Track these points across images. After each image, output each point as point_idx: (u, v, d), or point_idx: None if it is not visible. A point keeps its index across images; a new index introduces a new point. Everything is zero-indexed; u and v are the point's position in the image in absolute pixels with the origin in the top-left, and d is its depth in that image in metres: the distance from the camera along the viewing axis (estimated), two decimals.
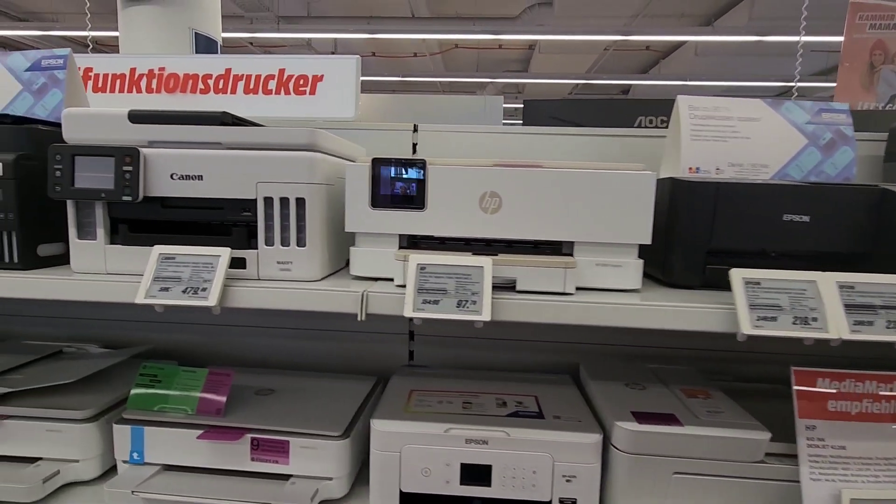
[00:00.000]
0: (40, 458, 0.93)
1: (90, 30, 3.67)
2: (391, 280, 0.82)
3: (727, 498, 0.81)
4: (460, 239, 0.82)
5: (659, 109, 1.52)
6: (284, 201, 0.79)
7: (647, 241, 0.78)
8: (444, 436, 0.83)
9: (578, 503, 0.82)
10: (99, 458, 0.95)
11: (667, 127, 1.56)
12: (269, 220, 0.79)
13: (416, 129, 1.23)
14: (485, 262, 0.73)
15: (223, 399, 0.93)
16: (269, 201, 0.79)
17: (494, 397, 0.97)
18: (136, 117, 0.79)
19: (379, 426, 0.85)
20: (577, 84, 9.87)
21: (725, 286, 0.84)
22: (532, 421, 0.87)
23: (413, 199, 0.80)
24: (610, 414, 0.86)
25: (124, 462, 0.93)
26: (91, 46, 3.79)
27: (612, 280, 0.79)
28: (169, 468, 0.92)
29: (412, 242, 0.84)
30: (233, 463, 0.90)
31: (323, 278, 0.84)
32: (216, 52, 3.68)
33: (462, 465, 0.83)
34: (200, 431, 0.90)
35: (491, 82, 9.63)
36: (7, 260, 0.82)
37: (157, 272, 0.75)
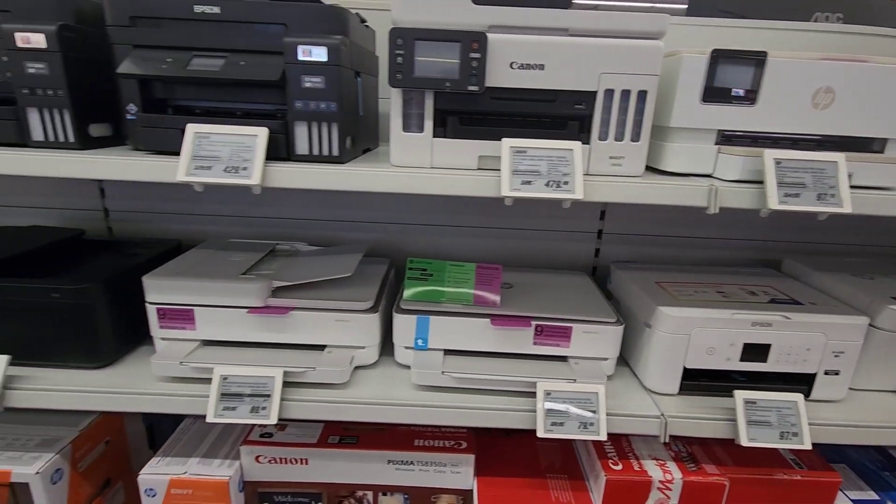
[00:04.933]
0: (326, 346, 0.98)
1: None
2: (706, 176, 0.85)
3: None
4: (782, 136, 0.84)
5: (837, 5, 1.48)
6: (625, 94, 0.78)
7: None
8: (731, 319, 0.91)
9: (841, 374, 0.93)
10: (378, 346, 1.00)
11: (843, 22, 1.53)
12: (605, 112, 0.79)
13: None
14: (839, 157, 0.76)
15: (498, 292, 0.98)
16: (609, 93, 0.78)
17: (738, 287, 1.05)
18: None
19: (671, 312, 0.92)
20: None
21: None
22: (797, 307, 0.96)
23: (747, 93, 0.80)
24: (867, 299, 0.96)
25: (407, 348, 0.99)
26: None
27: None
28: (450, 352, 0.99)
29: (723, 139, 0.85)
30: (515, 347, 0.97)
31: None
32: None
33: (745, 344, 0.92)
34: (485, 320, 0.96)
35: None
36: (62, 139, 0.84)
37: (514, 165, 0.75)
